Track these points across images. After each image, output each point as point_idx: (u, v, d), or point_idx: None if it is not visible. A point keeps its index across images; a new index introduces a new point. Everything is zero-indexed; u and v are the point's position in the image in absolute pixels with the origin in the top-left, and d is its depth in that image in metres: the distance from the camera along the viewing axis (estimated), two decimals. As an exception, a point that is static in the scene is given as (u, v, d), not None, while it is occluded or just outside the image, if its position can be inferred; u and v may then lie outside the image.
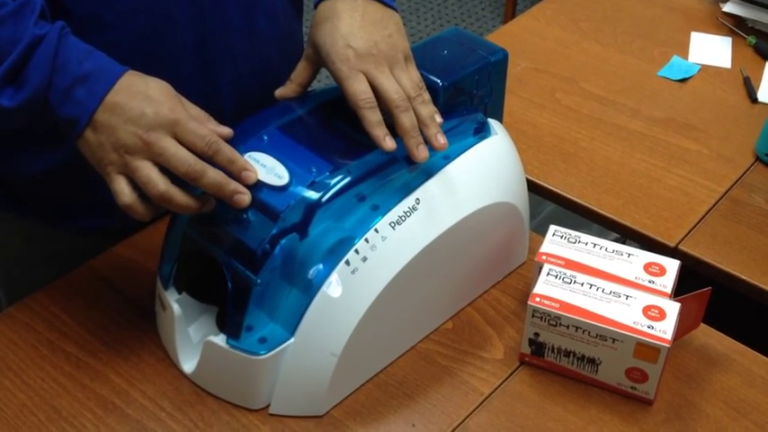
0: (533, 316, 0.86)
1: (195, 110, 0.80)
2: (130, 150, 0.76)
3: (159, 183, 0.76)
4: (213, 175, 0.77)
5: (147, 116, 0.76)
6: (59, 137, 0.81)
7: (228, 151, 0.79)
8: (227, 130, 0.81)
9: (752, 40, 1.43)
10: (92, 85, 0.77)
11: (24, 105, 0.76)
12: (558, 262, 0.90)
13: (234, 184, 0.79)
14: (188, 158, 0.77)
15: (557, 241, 0.93)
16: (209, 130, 0.78)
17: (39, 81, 0.76)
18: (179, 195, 0.77)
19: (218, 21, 0.93)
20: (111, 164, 0.77)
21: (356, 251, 0.80)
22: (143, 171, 0.76)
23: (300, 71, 0.90)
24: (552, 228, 0.94)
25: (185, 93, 0.80)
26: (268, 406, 0.85)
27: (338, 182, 0.81)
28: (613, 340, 0.83)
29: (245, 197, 0.79)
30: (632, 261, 0.90)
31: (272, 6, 0.99)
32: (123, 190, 0.77)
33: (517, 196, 0.94)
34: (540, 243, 0.93)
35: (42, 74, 0.76)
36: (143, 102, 0.77)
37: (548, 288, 0.86)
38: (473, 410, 0.86)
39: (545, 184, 1.17)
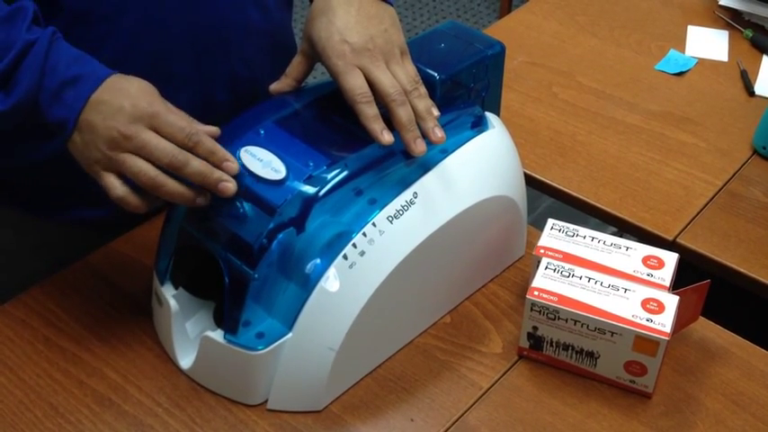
0: (532, 310, 0.85)
1: (177, 110, 0.80)
2: (112, 146, 0.76)
3: (149, 170, 0.76)
4: (197, 164, 0.78)
5: (125, 110, 0.76)
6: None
7: (209, 143, 0.79)
8: (213, 129, 0.81)
9: (748, 33, 1.43)
10: (79, 87, 0.77)
11: (15, 109, 0.77)
12: (557, 255, 0.90)
13: (218, 173, 0.79)
14: (170, 149, 0.77)
15: (555, 235, 0.92)
16: (187, 122, 0.79)
17: (29, 84, 0.77)
18: (170, 181, 0.78)
19: (211, 14, 0.93)
20: (98, 162, 0.78)
21: (354, 245, 0.80)
22: (129, 162, 0.76)
23: (296, 66, 0.90)
24: (550, 221, 0.94)
25: (180, 86, 0.80)
26: (266, 401, 0.84)
27: (335, 176, 0.81)
28: (612, 333, 0.83)
29: (230, 185, 0.79)
30: (630, 254, 0.90)
31: None
32: (113, 184, 0.77)
33: (515, 190, 0.94)
34: (538, 237, 0.93)
35: (32, 77, 0.77)
36: (123, 98, 0.77)
37: (546, 282, 0.86)
38: (472, 405, 0.86)
39: (542, 178, 1.17)
